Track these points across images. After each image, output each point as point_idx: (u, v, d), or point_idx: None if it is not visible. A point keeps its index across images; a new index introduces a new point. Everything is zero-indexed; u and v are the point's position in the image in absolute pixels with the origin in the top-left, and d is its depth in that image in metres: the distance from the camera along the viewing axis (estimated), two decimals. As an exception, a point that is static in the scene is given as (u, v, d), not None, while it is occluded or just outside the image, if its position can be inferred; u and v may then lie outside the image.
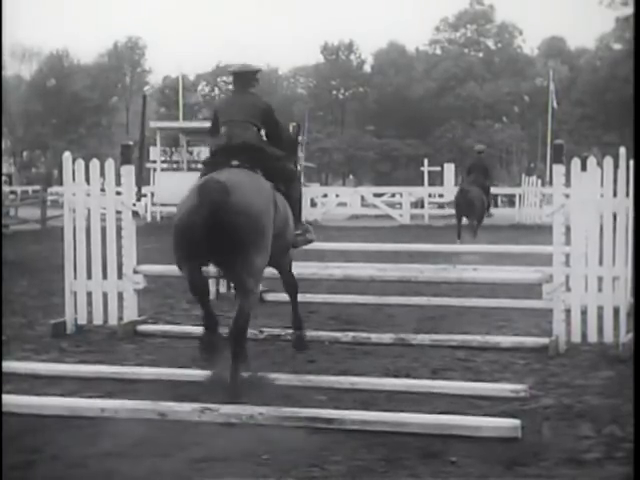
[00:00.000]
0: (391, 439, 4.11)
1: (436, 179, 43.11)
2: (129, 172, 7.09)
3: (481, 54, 72.43)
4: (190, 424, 4.36)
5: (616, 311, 6.19)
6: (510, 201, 30.58)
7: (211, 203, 4.89)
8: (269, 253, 5.25)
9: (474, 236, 15.45)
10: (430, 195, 31.19)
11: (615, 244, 6.27)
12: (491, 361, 5.93)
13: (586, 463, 3.80)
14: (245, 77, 6.08)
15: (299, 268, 8.83)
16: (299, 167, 6.31)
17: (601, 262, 6.33)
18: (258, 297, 5.47)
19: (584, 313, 6.33)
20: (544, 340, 6.28)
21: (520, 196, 27.72)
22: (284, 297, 8.93)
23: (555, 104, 48.03)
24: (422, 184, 33.56)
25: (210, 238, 4.88)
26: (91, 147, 60.91)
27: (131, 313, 6.99)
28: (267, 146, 5.95)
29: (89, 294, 7.06)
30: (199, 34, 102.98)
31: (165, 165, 31.05)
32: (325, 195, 31.85)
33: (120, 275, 6.99)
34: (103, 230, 7.02)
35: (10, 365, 5.51)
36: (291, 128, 6.59)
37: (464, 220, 15.81)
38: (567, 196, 6.46)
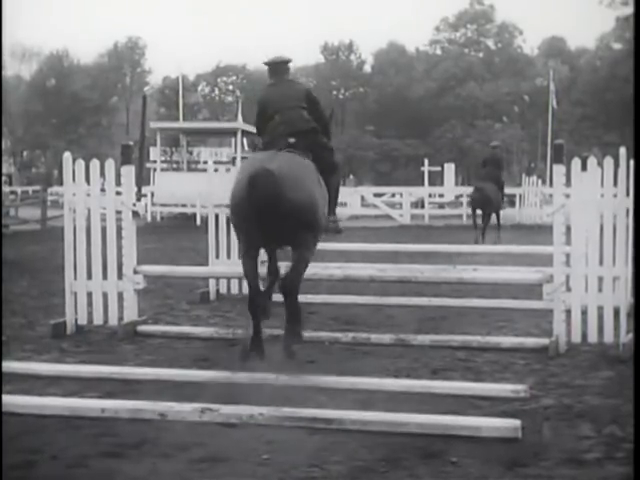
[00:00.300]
0: (391, 439, 4.11)
1: (436, 179, 43.14)
2: (129, 172, 7.09)
3: (481, 54, 72.48)
4: (190, 424, 4.36)
5: (616, 311, 6.19)
6: (510, 201, 30.55)
7: (260, 198, 5.29)
8: (321, 232, 5.85)
9: (498, 236, 15.94)
10: (430, 195, 31.20)
11: (615, 244, 6.27)
12: (491, 361, 5.93)
13: (586, 463, 3.80)
14: (281, 67, 6.47)
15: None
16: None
17: (601, 262, 6.34)
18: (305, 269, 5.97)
19: (584, 313, 6.33)
20: (544, 340, 6.28)
21: (520, 196, 27.73)
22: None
23: (555, 104, 48.05)
24: (422, 184, 33.57)
25: (262, 226, 5.43)
26: (91, 147, 60.96)
27: (131, 313, 6.99)
28: (318, 133, 6.33)
29: (89, 294, 7.06)
30: (199, 34, 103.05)
31: (165, 165, 31.06)
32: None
33: (120, 275, 6.99)
34: (103, 230, 7.02)
35: (10, 365, 5.51)
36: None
37: (479, 222, 16.52)
38: (567, 196, 6.46)
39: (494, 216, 16.90)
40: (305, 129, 6.14)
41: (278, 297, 8.92)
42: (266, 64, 6.55)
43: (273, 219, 5.36)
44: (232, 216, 5.82)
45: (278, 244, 5.99)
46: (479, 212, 16.58)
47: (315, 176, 5.83)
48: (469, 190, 22.14)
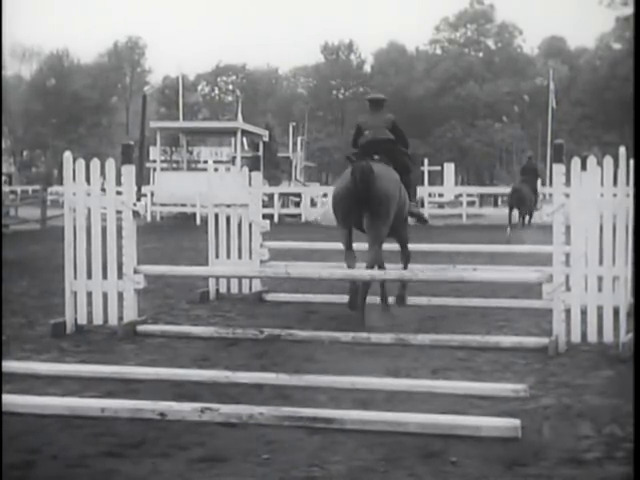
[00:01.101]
0: (391, 439, 4.11)
1: (436, 179, 43.11)
2: (129, 172, 7.09)
3: (481, 54, 72.53)
4: (190, 424, 4.36)
5: (616, 311, 6.19)
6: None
7: (361, 182, 7.33)
8: (390, 224, 7.72)
9: (525, 230, 17.94)
10: (430, 195, 31.20)
11: (615, 244, 6.27)
12: (491, 361, 5.93)
13: (586, 463, 3.80)
14: (378, 102, 8.50)
15: (300, 268, 8.86)
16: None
17: (601, 262, 6.34)
18: (381, 249, 7.78)
19: (584, 313, 6.33)
20: (544, 340, 6.28)
21: (520, 196, 27.66)
22: (284, 297, 8.98)
23: (555, 104, 48.08)
24: (422, 184, 33.55)
25: (357, 207, 7.46)
26: (91, 147, 61.02)
27: (131, 313, 6.99)
28: (396, 144, 8.34)
29: (89, 294, 7.06)
30: (199, 34, 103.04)
31: (165, 165, 31.09)
32: (325, 195, 31.81)
33: (120, 275, 6.99)
34: (103, 230, 7.02)
35: (10, 365, 5.51)
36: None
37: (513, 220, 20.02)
38: (567, 196, 6.47)
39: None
40: (387, 141, 8.23)
41: (281, 297, 8.96)
42: (368, 100, 8.57)
43: (364, 202, 7.40)
44: (335, 196, 7.77)
45: (361, 222, 7.69)
46: (515, 211, 19.97)
47: (397, 181, 7.83)
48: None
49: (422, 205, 29.82)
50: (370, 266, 7.50)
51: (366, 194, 7.31)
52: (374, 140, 8.13)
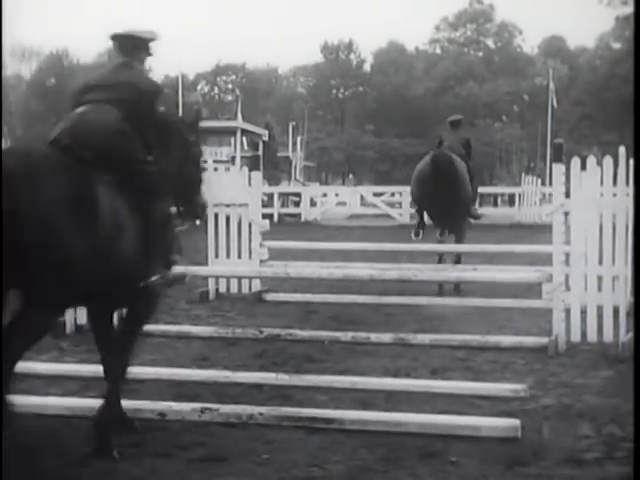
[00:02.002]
0: (391, 439, 4.11)
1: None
2: (129, 172, 7.07)
3: (481, 53, 72.45)
4: (190, 424, 4.36)
5: (616, 310, 6.19)
6: (510, 200, 30.55)
7: (439, 170, 8.71)
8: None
9: None
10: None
11: (615, 243, 6.27)
12: (491, 361, 5.93)
13: (585, 463, 3.80)
14: (456, 122, 10.58)
15: (299, 267, 8.86)
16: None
17: (601, 261, 6.34)
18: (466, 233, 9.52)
19: (584, 312, 6.33)
20: (544, 340, 6.28)
21: (520, 195, 27.72)
22: (284, 297, 8.98)
23: (555, 103, 48.05)
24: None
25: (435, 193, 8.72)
26: (91, 146, 60.90)
27: (131, 313, 6.97)
28: (464, 156, 9.78)
29: (89, 294, 7.04)
30: (199, 34, 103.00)
31: (165, 164, 30.99)
32: (325, 194, 31.81)
33: (120, 275, 6.98)
34: (103, 230, 7.00)
35: (10, 365, 5.49)
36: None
37: None
38: (567, 195, 6.47)
39: None
40: (459, 154, 9.60)
41: (281, 297, 8.95)
42: (449, 120, 10.71)
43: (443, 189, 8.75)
44: (415, 178, 9.32)
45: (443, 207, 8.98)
46: None
47: (463, 166, 9.31)
48: None
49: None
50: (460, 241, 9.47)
51: (444, 179, 8.80)
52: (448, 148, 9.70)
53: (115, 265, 3.90)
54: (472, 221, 10.13)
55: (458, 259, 9.59)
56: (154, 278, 4.25)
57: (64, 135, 4.11)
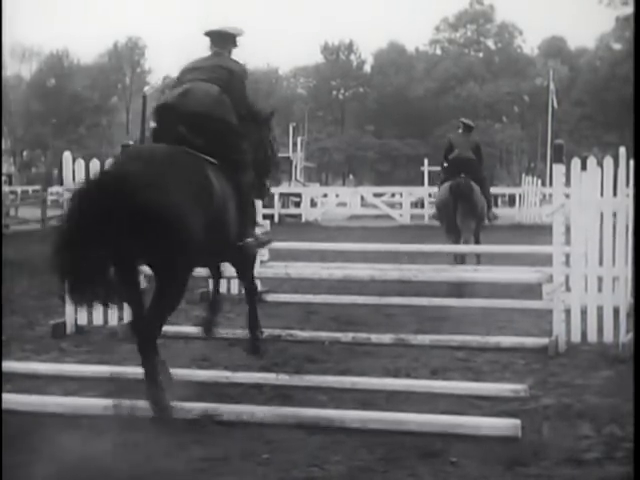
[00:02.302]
0: (391, 439, 4.11)
1: (436, 179, 43.06)
2: (129, 172, 7.08)
3: (481, 54, 72.47)
4: (190, 424, 4.36)
5: (616, 311, 6.19)
6: (510, 201, 30.58)
7: (459, 195, 9.67)
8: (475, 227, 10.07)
9: None
10: (430, 195, 31.06)
11: (615, 244, 6.27)
12: (491, 361, 5.93)
13: (586, 463, 3.80)
14: (469, 127, 10.67)
15: (300, 268, 8.86)
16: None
17: (601, 262, 6.34)
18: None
19: (584, 313, 6.33)
20: (544, 340, 6.28)
21: (520, 196, 27.73)
22: (284, 298, 8.98)
23: (555, 104, 48.07)
24: (422, 184, 33.52)
25: (456, 215, 9.72)
26: (91, 147, 60.93)
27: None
28: (476, 162, 10.30)
29: (89, 294, 7.04)
30: (199, 34, 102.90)
31: (165, 165, 31.00)
32: (325, 195, 31.84)
33: (120, 275, 6.98)
34: (103, 230, 7.00)
35: (10, 365, 5.50)
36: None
37: None
38: (567, 196, 6.46)
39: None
40: (469, 160, 10.22)
41: (281, 297, 8.95)
42: (462, 122, 10.76)
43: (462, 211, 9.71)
44: (436, 205, 10.50)
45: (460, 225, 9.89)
46: None
47: (478, 189, 9.92)
48: None
49: (422, 206, 29.93)
50: (466, 241, 10.03)
51: (463, 208, 9.75)
52: (459, 157, 10.16)
53: (224, 233, 4.81)
54: (486, 222, 10.81)
55: (477, 260, 10.24)
56: (249, 240, 5.27)
57: (172, 103, 4.94)
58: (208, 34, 5.63)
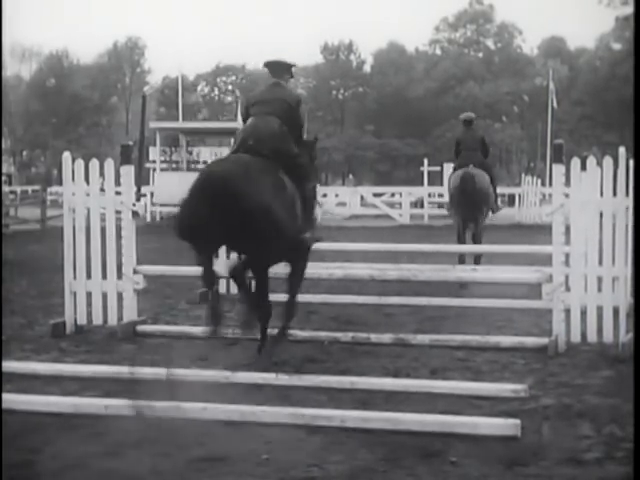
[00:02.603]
0: (391, 439, 4.11)
1: (436, 179, 43.06)
2: (128, 172, 7.09)
3: (481, 54, 72.46)
4: (190, 424, 4.35)
5: (616, 311, 6.19)
6: (510, 201, 30.59)
7: (470, 189, 10.27)
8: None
9: None
10: (430, 195, 31.17)
11: (615, 244, 6.27)
12: (491, 361, 5.93)
13: (585, 463, 3.80)
14: (471, 121, 11.29)
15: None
16: None
17: (601, 262, 6.33)
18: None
19: (584, 313, 6.33)
20: (544, 340, 6.28)
21: (520, 196, 27.73)
22: (284, 297, 8.96)
23: (555, 104, 48.06)
24: (422, 184, 33.53)
25: (468, 204, 10.44)
26: (91, 147, 60.96)
27: (131, 313, 6.99)
28: (485, 157, 11.08)
29: (89, 294, 7.06)
30: (199, 34, 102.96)
31: (165, 165, 31.03)
32: (325, 195, 31.77)
33: (120, 275, 7.00)
34: (103, 230, 7.02)
35: (10, 365, 5.51)
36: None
37: None
38: (567, 196, 6.46)
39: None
40: (477, 155, 10.85)
41: (281, 297, 8.93)
42: (463, 119, 11.33)
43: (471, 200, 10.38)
44: (450, 197, 11.03)
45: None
46: None
47: (487, 178, 10.63)
48: None
49: (422, 206, 29.95)
50: (479, 238, 10.70)
51: (471, 198, 10.39)
52: (467, 152, 10.87)
53: (294, 227, 5.83)
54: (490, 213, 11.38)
55: (478, 259, 10.58)
56: (308, 234, 6.23)
57: (248, 138, 5.96)
58: (267, 65, 6.51)
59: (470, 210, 10.55)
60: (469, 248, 11.21)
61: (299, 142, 6.24)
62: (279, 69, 6.47)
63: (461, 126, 11.47)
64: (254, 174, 5.50)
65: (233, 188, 5.31)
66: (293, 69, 6.57)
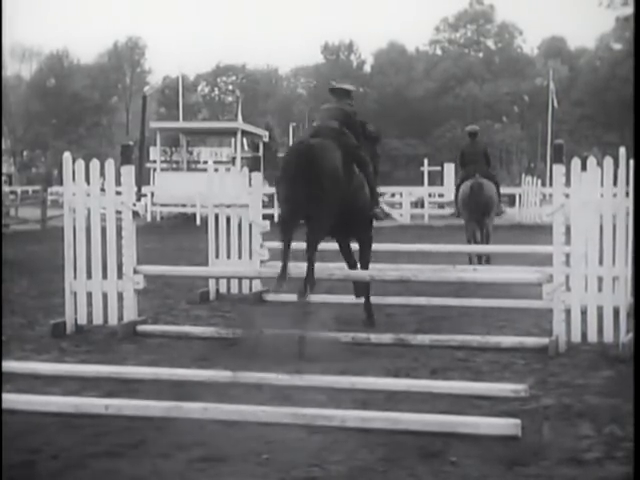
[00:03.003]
0: (391, 439, 4.11)
1: (436, 179, 43.09)
2: (129, 172, 7.09)
3: (481, 54, 72.50)
4: (190, 424, 4.36)
5: (616, 311, 6.19)
6: (510, 201, 30.59)
7: (479, 197, 11.64)
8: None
9: None
10: (430, 195, 31.19)
11: (615, 244, 6.27)
12: (491, 361, 5.93)
13: (586, 462, 3.80)
14: (476, 134, 12.53)
15: (299, 268, 8.84)
16: None
17: (601, 262, 6.33)
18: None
19: (584, 313, 6.33)
20: (544, 340, 6.28)
21: (520, 196, 27.73)
22: (284, 298, 8.97)
23: (555, 104, 48.08)
24: (422, 184, 33.53)
25: (478, 210, 11.74)
26: (91, 147, 61.00)
27: (131, 313, 6.99)
28: (487, 165, 12.27)
29: (89, 294, 7.06)
30: (199, 34, 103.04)
31: (165, 165, 31.06)
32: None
33: (120, 275, 7.00)
34: (103, 230, 7.02)
35: (10, 365, 5.51)
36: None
37: None
38: (567, 196, 6.46)
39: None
40: (482, 164, 12.09)
41: (281, 297, 8.94)
42: (468, 131, 12.69)
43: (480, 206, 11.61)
44: (461, 204, 11.94)
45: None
46: None
47: (496, 186, 12.02)
48: None
49: (422, 206, 29.93)
50: (488, 239, 11.92)
51: (480, 200, 11.61)
52: (472, 164, 12.04)
53: (359, 201, 7.22)
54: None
55: (487, 259, 11.48)
56: (377, 210, 7.62)
57: (313, 134, 7.11)
58: (331, 91, 7.75)
59: (480, 215, 11.88)
60: (471, 248, 11.23)
61: (359, 140, 7.34)
62: (341, 93, 7.67)
63: (467, 139, 12.70)
64: (332, 146, 6.71)
65: (320, 151, 6.52)
66: (353, 94, 7.81)
